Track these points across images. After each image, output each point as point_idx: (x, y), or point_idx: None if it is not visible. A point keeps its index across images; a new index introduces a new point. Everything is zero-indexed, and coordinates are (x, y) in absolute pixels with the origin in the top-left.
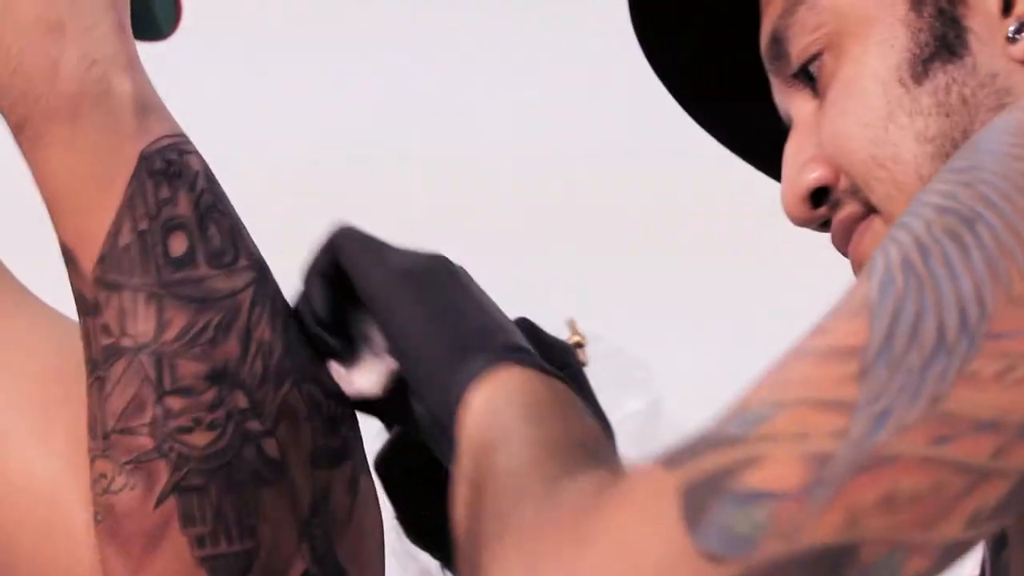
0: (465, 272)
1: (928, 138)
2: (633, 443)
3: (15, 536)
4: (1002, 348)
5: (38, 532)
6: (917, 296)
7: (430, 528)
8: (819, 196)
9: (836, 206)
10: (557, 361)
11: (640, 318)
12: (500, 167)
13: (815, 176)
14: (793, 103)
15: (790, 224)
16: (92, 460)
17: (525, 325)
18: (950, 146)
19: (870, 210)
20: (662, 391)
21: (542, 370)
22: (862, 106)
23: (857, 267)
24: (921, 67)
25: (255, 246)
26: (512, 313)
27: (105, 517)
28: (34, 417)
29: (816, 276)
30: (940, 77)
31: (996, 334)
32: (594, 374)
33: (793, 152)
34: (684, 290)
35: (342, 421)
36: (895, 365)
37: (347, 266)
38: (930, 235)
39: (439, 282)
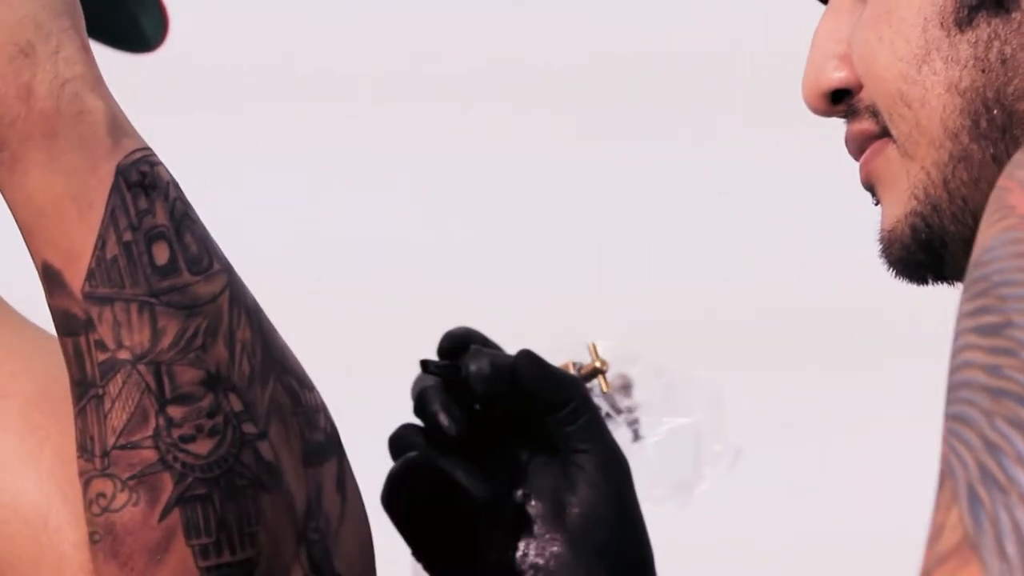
0: None
1: (960, 91)
2: (679, 458)
3: (4, 558)
4: None
5: (27, 554)
6: (1007, 508)
7: (444, 555)
8: (839, 95)
9: (854, 113)
10: (561, 397)
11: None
12: None
13: (840, 77)
14: None
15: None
16: (87, 481)
17: (526, 359)
18: (980, 103)
19: (886, 132)
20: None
21: None
22: (899, 37)
23: (864, 178)
24: (966, 13)
25: (219, 248)
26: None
27: (104, 536)
28: (23, 438)
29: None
30: (983, 29)
31: None
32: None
33: (825, 36)
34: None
35: (319, 410)
36: None
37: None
38: (995, 430)
39: None
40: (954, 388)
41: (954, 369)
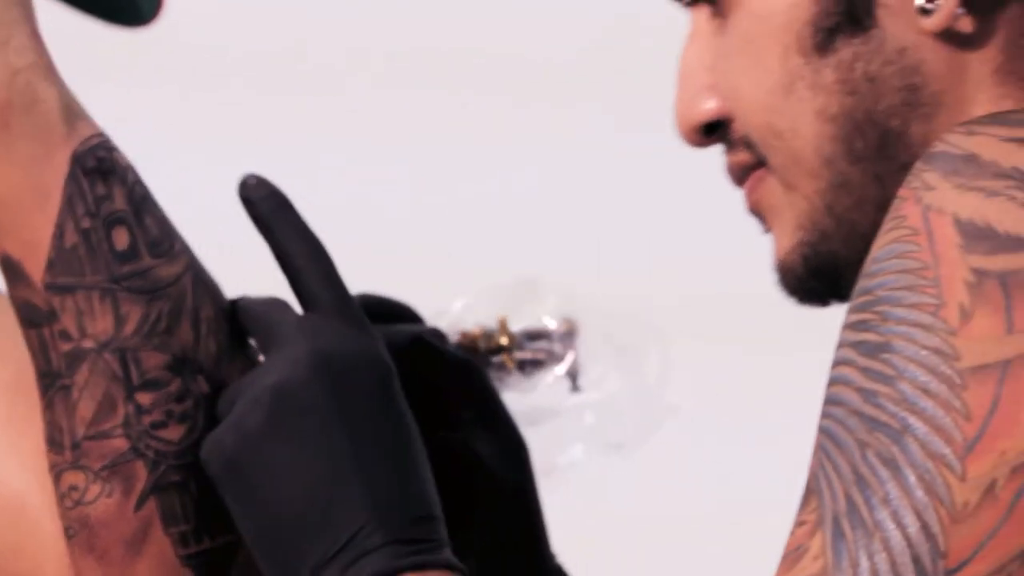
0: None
1: (829, 116)
2: (614, 421)
3: None
4: None
5: (8, 544)
6: (868, 553)
7: None
8: (713, 126)
9: (730, 145)
10: (456, 380)
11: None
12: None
13: (710, 109)
14: (692, 10)
15: None
16: (58, 474)
17: (421, 343)
18: (851, 127)
19: (764, 162)
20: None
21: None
22: (761, 68)
23: (751, 207)
24: (824, 37)
25: (178, 230)
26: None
27: (79, 531)
28: (3, 427)
29: None
30: (845, 51)
31: (954, 569)
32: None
33: (691, 66)
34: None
35: None
36: None
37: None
38: (866, 463)
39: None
40: (829, 402)
41: (831, 381)
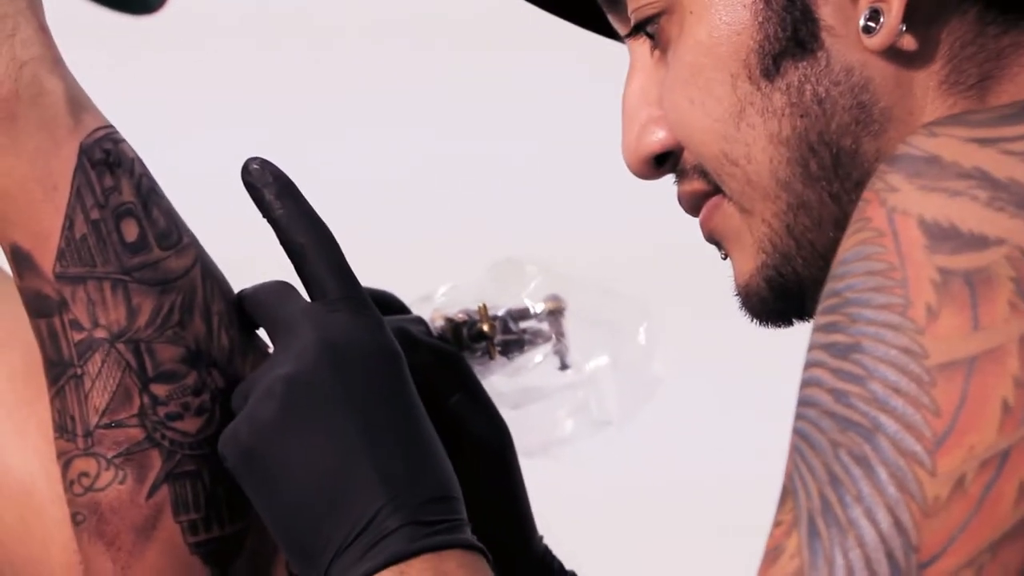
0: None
1: (782, 140)
2: (603, 398)
3: None
4: (939, 572)
5: (14, 532)
6: (843, 550)
7: None
8: (663, 157)
9: (682, 174)
10: (443, 369)
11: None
12: None
13: (659, 140)
14: (632, 45)
15: None
16: (68, 461)
17: (405, 336)
18: (805, 149)
19: (718, 189)
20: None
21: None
22: (710, 97)
23: (707, 234)
24: (771, 62)
25: (185, 222)
26: None
27: (88, 516)
28: (10, 412)
29: None
30: (792, 74)
31: (927, 562)
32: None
33: (635, 100)
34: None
35: None
36: None
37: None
38: (839, 462)
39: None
40: (802, 403)
41: (803, 384)
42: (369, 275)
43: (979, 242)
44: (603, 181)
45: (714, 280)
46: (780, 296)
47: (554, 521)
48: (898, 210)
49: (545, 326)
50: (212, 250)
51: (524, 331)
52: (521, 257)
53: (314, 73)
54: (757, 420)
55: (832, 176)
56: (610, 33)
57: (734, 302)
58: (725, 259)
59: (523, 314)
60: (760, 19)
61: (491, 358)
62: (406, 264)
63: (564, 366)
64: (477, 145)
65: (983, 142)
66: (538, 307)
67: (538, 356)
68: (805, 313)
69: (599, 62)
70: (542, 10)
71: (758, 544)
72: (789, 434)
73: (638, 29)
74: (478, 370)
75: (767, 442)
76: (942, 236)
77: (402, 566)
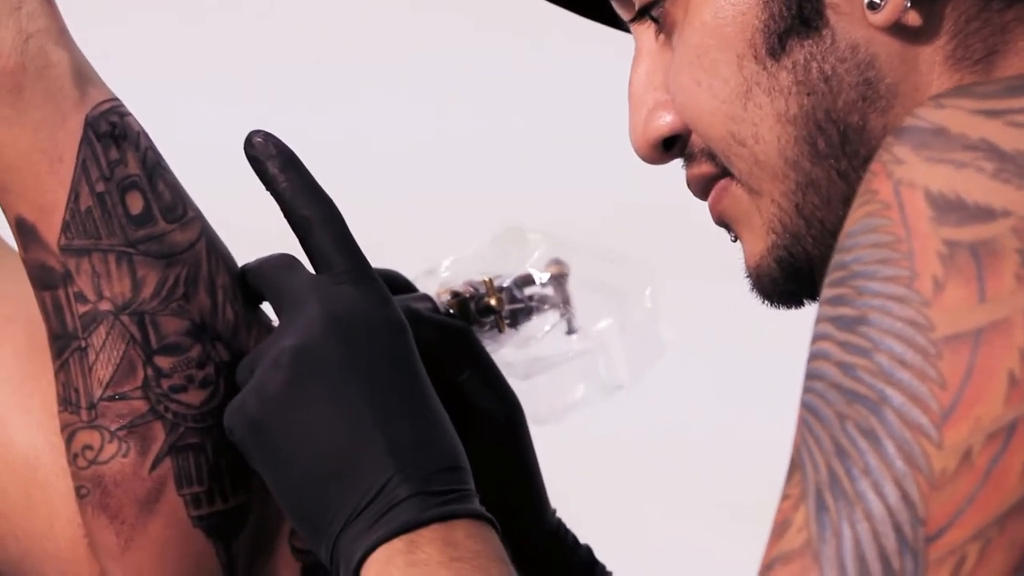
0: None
1: (790, 118)
2: (611, 362)
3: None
4: (945, 545)
5: (19, 506)
6: (850, 522)
7: None
8: (670, 141)
9: (690, 158)
10: (452, 346)
11: None
12: None
13: (667, 124)
14: (637, 30)
15: None
16: (72, 434)
17: (413, 315)
18: (813, 126)
19: (726, 172)
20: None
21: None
22: (716, 78)
23: (717, 217)
24: (777, 41)
25: (189, 195)
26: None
27: (92, 489)
28: (14, 388)
29: None
30: (798, 52)
31: (934, 535)
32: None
33: (642, 84)
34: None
35: None
36: None
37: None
38: (846, 435)
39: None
40: (809, 376)
41: (811, 357)
42: (372, 242)
43: (985, 214)
44: (605, 146)
45: (719, 243)
46: (791, 276)
47: (564, 478)
48: (904, 182)
49: (550, 291)
50: (217, 223)
51: (530, 298)
52: (524, 225)
53: (312, 43)
54: (758, 379)
55: (840, 154)
56: (613, 21)
57: (739, 265)
58: (735, 241)
59: (527, 280)
60: None
61: (500, 331)
62: (408, 232)
63: (571, 330)
64: (478, 114)
65: (990, 114)
66: (543, 276)
67: (546, 325)
68: (816, 293)
69: (601, 32)
70: (546, 1)
71: (763, 510)
72: (797, 407)
73: (643, 13)
74: (487, 343)
75: (773, 406)
76: (948, 208)
77: (412, 535)
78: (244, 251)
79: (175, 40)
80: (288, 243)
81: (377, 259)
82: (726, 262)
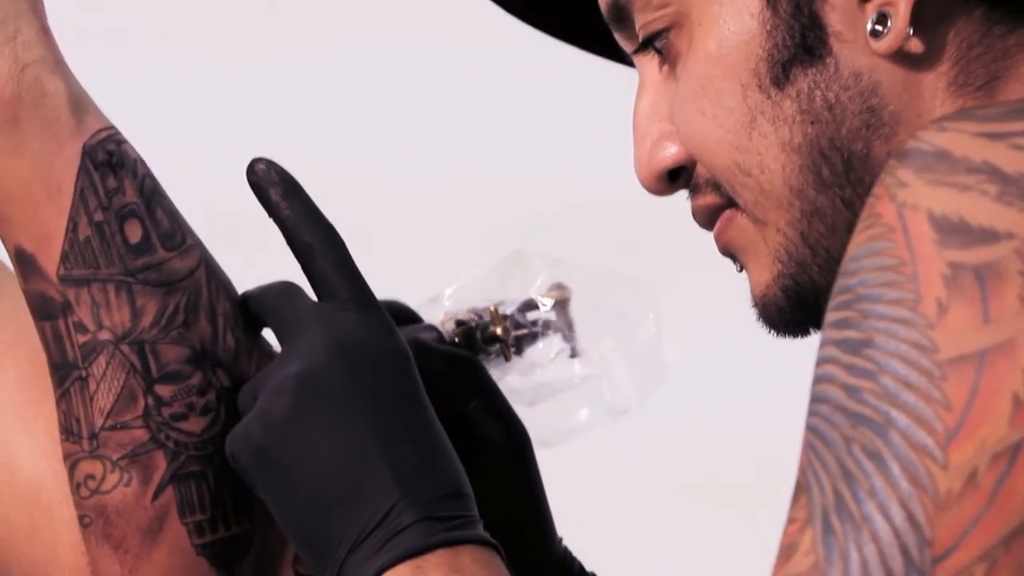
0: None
1: (794, 147)
2: (615, 385)
3: (2, 535)
4: (952, 566)
5: (23, 532)
6: (857, 545)
7: None
8: (675, 172)
9: (696, 188)
10: (459, 376)
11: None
12: None
13: (672, 155)
14: (640, 61)
15: None
16: (74, 464)
17: (419, 346)
18: (817, 155)
19: (732, 202)
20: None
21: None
22: (721, 108)
23: (723, 248)
24: (781, 70)
25: (187, 223)
26: None
27: (95, 519)
28: (18, 413)
29: None
30: (802, 81)
31: (940, 556)
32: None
33: (646, 116)
34: None
35: None
36: None
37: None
38: (852, 458)
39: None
40: (815, 399)
41: (816, 380)
42: (372, 258)
43: (989, 236)
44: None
45: (722, 261)
46: (797, 305)
47: (572, 501)
48: (908, 205)
49: (553, 316)
50: (212, 247)
51: (534, 323)
52: (527, 249)
53: (312, 22)
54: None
55: (844, 181)
56: (617, 56)
57: (741, 279)
58: (741, 271)
59: (531, 305)
60: (768, 27)
61: (507, 359)
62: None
63: (574, 354)
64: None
65: (993, 137)
66: (546, 301)
67: (551, 351)
68: (822, 322)
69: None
70: (549, 36)
71: (770, 525)
72: (802, 429)
73: (646, 45)
74: (493, 372)
75: (782, 427)
76: (952, 231)
77: (418, 560)
78: (239, 237)
79: (176, 18)
80: (289, 272)
81: (376, 263)
82: (732, 278)
